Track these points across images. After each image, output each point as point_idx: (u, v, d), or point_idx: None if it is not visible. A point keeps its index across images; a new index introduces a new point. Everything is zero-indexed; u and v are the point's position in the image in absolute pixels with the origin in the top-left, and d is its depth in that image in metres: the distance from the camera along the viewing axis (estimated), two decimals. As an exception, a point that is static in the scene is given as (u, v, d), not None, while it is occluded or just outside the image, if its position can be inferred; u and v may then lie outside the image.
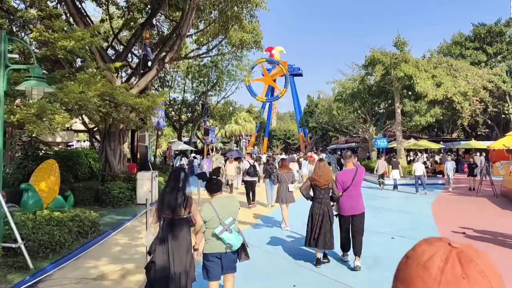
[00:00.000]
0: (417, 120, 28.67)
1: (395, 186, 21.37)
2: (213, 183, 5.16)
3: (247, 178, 15.12)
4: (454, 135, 51.23)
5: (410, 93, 28.26)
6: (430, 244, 0.77)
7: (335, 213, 7.36)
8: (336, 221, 7.35)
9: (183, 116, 36.32)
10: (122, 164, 17.94)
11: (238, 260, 5.05)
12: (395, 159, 24.74)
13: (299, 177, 22.17)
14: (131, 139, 24.36)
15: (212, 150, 48.13)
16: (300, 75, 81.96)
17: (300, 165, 23.58)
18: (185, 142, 37.46)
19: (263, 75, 68.72)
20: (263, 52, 65.28)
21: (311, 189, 7.32)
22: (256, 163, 16.73)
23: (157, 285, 4.48)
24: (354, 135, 50.81)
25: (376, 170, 21.74)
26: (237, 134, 60.86)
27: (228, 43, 25.96)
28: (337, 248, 7.65)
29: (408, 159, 31.66)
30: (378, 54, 24.70)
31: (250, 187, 15.11)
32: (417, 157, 28.72)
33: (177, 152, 33.37)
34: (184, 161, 27.96)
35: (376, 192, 20.47)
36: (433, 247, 0.76)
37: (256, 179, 15.48)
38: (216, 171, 13.47)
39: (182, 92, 34.38)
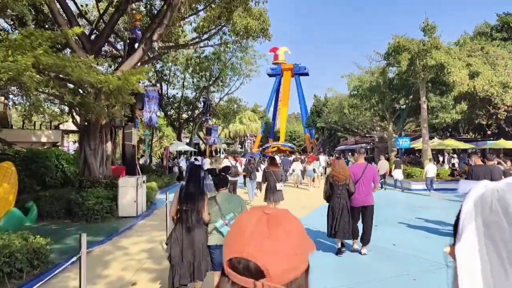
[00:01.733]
0: (443, 117, 25.58)
1: (396, 186, 20.72)
2: (220, 178, 5.37)
3: (231, 178, 14.11)
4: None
5: (436, 86, 25.16)
6: (249, 213, 0.89)
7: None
8: None
9: (183, 115, 33.27)
10: (104, 167, 14.91)
11: None
12: (398, 158, 23.19)
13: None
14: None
15: (216, 152, 45.21)
16: (306, 74, 79.69)
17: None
18: (187, 144, 34.60)
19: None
20: (269, 52, 62.35)
21: (330, 187, 7.71)
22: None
23: (179, 271, 4.90)
24: (366, 135, 47.66)
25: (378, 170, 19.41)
26: (242, 135, 57.73)
27: (231, 30, 22.91)
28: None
29: (440, 159, 28.56)
30: (403, 40, 21.60)
31: (231, 186, 14.46)
32: (445, 158, 25.73)
33: (171, 153, 30.41)
34: (183, 163, 24.91)
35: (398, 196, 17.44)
36: (249, 215, 0.88)
37: (237, 179, 15.30)
38: (226, 169, 12.32)
39: (182, 87, 31.31)
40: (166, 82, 30.44)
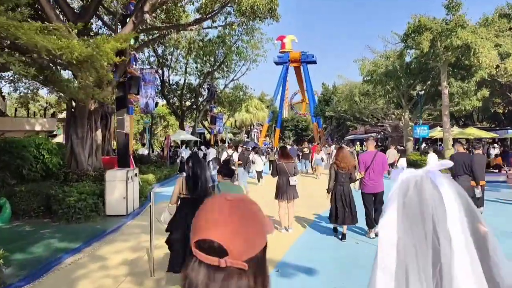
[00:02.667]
0: (463, 104, 23.75)
1: None
2: (226, 168, 5.83)
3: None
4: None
5: (456, 71, 23.29)
6: (212, 200, 0.98)
7: (357, 190, 8.40)
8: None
9: (186, 102, 31.57)
10: (94, 158, 13.35)
11: None
12: (402, 147, 22.39)
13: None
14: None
15: (222, 141, 43.62)
16: (314, 62, 77.79)
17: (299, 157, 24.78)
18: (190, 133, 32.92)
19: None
20: (275, 41, 60.40)
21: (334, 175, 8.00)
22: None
23: (178, 258, 5.04)
24: (378, 124, 45.69)
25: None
26: (248, 124, 55.94)
27: (237, 10, 21.14)
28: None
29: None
30: (425, 19, 19.69)
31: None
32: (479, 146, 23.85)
33: (174, 143, 28.92)
34: (185, 153, 23.30)
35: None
36: (213, 201, 0.97)
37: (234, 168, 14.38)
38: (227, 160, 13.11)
39: (184, 73, 29.52)
40: (168, 68, 28.71)
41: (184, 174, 5.42)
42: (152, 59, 28.87)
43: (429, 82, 26.26)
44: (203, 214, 0.96)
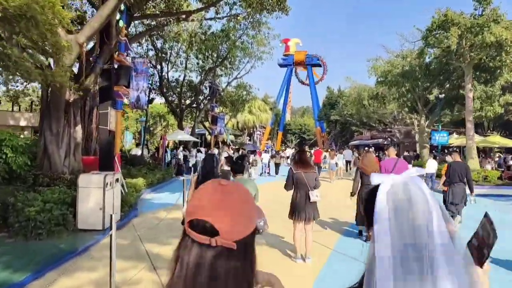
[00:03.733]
0: (486, 110, 21.76)
1: None
2: (238, 165, 5.84)
3: (226, 168, 13.92)
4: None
5: (479, 73, 21.30)
6: (207, 184, 1.04)
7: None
8: None
9: (186, 101, 29.53)
10: (72, 159, 11.35)
11: None
12: (407, 154, 21.86)
13: None
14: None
15: (224, 143, 41.66)
16: (319, 65, 76.02)
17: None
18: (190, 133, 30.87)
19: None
20: (280, 44, 58.99)
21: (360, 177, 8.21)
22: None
23: None
24: (387, 130, 43.69)
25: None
26: (251, 126, 53.87)
27: (243, 0, 19.30)
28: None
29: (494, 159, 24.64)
30: (452, 13, 17.72)
31: (225, 178, 13.07)
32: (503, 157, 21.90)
33: (173, 144, 26.92)
34: (180, 155, 21.32)
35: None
36: (207, 186, 1.03)
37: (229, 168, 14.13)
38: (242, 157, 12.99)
39: (184, 69, 27.46)
40: (167, 62, 26.69)
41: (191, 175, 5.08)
42: (151, 53, 26.94)
43: (447, 85, 24.29)
44: (198, 197, 1.02)
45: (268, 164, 25.92)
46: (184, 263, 0.96)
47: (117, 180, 9.57)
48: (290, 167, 7.04)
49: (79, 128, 11.60)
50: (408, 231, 1.00)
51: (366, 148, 26.48)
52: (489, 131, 44.17)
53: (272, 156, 29.99)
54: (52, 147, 10.71)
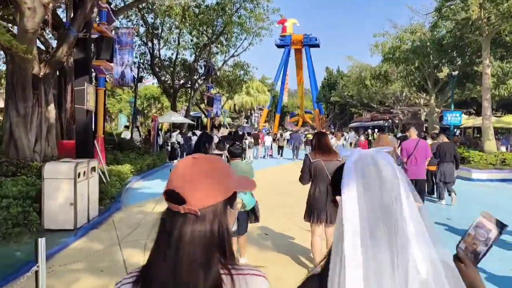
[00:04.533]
0: (504, 87, 20.25)
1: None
2: (236, 148, 5.54)
3: (216, 152, 13.31)
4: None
5: (495, 48, 19.70)
6: (184, 159, 1.16)
7: None
8: None
9: (181, 81, 27.72)
10: (44, 143, 9.77)
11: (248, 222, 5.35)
12: (403, 134, 19.23)
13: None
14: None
15: (219, 126, 40.05)
16: (317, 46, 74.39)
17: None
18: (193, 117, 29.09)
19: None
20: (276, 25, 57.66)
21: None
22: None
23: None
24: (391, 111, 42.15)
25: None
26: (248, 107, 52.09)
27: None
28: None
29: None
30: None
31: None
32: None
33: (165, 127, 25.24)
34: (178, 138, 19.72)
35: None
36: (183, 160, 1.14)
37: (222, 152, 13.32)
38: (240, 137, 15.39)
39: (177, 45, 25.56)
40: (159, 39, 24.81)
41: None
42: (141, 30, 25.08)
43: (459, 62, 22.67)
44: (174, 171, 1.13)
45: (271, 147, 26.21)
46: (165, 228, 1.07)
47: (93, 168, 8.00)
48: (306, 154, 5.49)
49: (52, 108, 10.00)
50: (376, 198, 1.00)
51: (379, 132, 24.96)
52: (493, 111, 42.69)
53: (274, 139, 29.35)
54: (18, 130, 9.13)
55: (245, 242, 5.45)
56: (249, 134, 23.25)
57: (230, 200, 1.14)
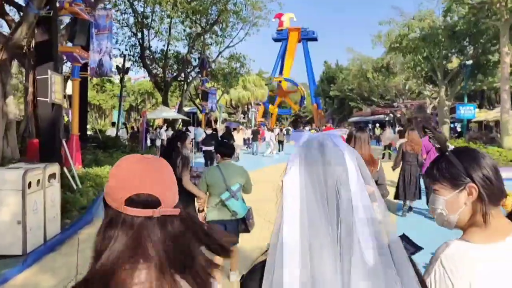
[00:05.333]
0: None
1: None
2: (226, 146, 5.01)
3: (205, 148, 14.66)
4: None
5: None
6: (128, 159, 1.04)
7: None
8: None
9: (175, 74, 25.97)
10: (2, 144, 8.17)
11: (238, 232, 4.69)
12: (401, 128, 19.67)
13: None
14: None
15: (215, 121, 38.48)
16: (315, 39, 73.66)
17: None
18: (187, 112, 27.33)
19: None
20: (273, 19, 56.01)
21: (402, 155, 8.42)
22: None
23: None
24: (394, 105, 40.64)
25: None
26: (245, 102, 50.39)
27: None
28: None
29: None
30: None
31: (208, 157, 14.65)
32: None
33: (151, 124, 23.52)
34: (166, 135, 18.09)
35: None
36: (130, 160, 1.03)
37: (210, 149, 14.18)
38: (228, 135, 15.28)
39: (168, 35, 23.79)
40: (148, 29, 23.08)
41: None
42: (131, 20, 23.43)
43: (471, 51, 21.13)
44: (126, 172, 1.01)
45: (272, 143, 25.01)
46: (123, 240, 0.96)
47: (53, 175, 6.42)
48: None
49: (11, 101, 8.38)
50: (318, 183, 0.97)
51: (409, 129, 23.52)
52: (497, 104, 41.15)
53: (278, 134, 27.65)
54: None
55: (236, 254, 4.78)
56: (234, 129, 21.99)
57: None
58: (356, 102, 53.07)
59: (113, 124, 20.23)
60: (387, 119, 48.04)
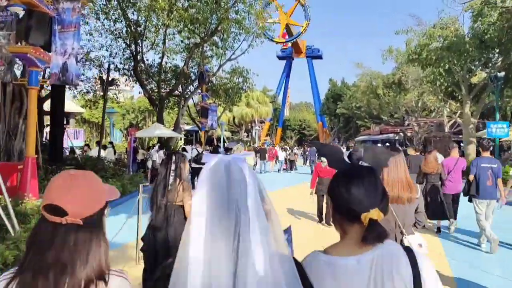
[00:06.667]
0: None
1: None
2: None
3: (194, 165, 14.22)
4: None
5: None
6: (59, 175, 1.31)
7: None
8: None
9: (165, 87, 23.85)
10: None
11: None
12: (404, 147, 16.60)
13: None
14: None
15: (218, 140, 36.38)
16: (320, 57, 72.66)
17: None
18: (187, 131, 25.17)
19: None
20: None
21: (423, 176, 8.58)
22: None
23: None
24: (407, 123, 38.47)
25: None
26: (249, 120, 48.27)
27: None
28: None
29: None
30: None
31: (196, 175, 14.11)
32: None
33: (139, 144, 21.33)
34: (157, 156, 15.82)
35: None
36: (59, 176, 1.30)
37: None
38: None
39: (163, 43, 21.73)
40: (141, 38, 21.00)
41: None
42: (125, 30, 21.47)
43: (498, 63, 18.97)
44: (50, 185, 1.27)
45: (285, 161, 27.00)
46: (40, 239, 1.20)
47: None
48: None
49: None
50: (222, 199, 1.07)
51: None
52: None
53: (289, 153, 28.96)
54: None
55: None
56: (230, 149, 20.49)
57: (104, 209, 1.34)
58: (363, 121, 51.20)
59: (97, 143, 18.01)
60: (396, 138, 45.86)
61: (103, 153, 15.55)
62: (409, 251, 1.39)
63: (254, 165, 24.87)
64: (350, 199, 1.38)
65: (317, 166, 9.31)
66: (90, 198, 1.26)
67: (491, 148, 7.42)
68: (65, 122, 14.93)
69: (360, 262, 1.32)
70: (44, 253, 1.17)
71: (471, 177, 7.19)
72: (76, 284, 1.16)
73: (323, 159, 8.59)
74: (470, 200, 7.37)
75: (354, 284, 1.31)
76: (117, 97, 23.99)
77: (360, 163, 1.67)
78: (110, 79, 15.65)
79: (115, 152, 17.04)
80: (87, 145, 19.06)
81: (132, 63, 22.08)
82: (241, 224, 1.04)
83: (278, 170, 25.92)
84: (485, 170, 7.07)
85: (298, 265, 1.20)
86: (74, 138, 29.84)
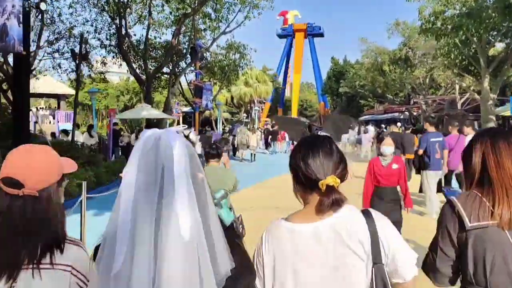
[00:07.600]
0: None
1: None
2: (212, 148, 4.84)
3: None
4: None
5: None
6: (19, 147, 1.38)
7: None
8: None
9: (153, 63, 21.97)
10: None
11: None
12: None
13: None
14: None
15: (215, 122, 34.62)
16: (321, 35, 70.73)
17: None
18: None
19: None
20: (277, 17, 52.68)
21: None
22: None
23: None
24: (414, 101, 36.82)
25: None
26: (248, 101, 46.37)
27: None
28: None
29: None
30: None
31: None
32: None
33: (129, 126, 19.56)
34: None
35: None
36: (18, 148, 1.36)
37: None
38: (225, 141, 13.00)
39: (148, 14, 19.73)
40: (126, 11, 18.92)
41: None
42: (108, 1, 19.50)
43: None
44: (8, 159, 1.30)
45: (292, 142, 27.25)
46: (1, 213, 1.26)
47: None
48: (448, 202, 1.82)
49: None
50: (149, 171, 1.06)
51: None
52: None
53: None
54: None
55: None
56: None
57: (60, 181, 1.40)
58: (367, 100, 49.45)
59: (77, 126, 16.25)
60: (401, 117, 44.12)
61: (81, 138, 13.85)
62: (367, 213, 1.48)
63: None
64: (307, 168, 1.48)
65: (372, 163, 5.57)
66: (46, 171, 1.32)
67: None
68: (43, 105, 13.32)
69: (318, 227, 1.42)
70: (2, 224, 1.24)
71: (421, 151, 8.00)
72: (33, 253, 1.25)
73: (384, 152, 5.42)
74: (418, 173, 8.29)
75: (312, 248, 1.41)
76: (104, 76, 22.26)
77: (319, 133, 1.30)
78: (85, 53, 13.79)
79: (91, 136, 15.17)
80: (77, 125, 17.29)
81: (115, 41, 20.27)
82: (165, 191, 1.05)
83: (285, 151, 26.40)
84: (433, 144, 7.91)
85: (234, 235, 1.24)
86: (65, 121, 28.22)
